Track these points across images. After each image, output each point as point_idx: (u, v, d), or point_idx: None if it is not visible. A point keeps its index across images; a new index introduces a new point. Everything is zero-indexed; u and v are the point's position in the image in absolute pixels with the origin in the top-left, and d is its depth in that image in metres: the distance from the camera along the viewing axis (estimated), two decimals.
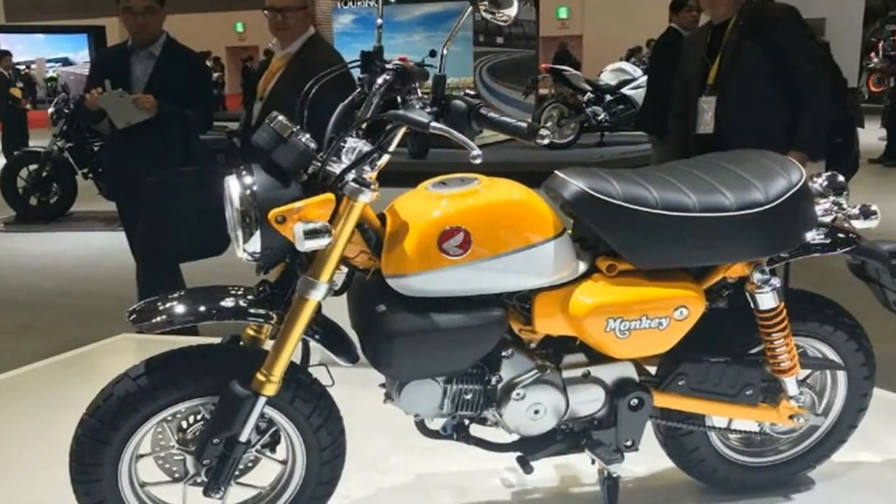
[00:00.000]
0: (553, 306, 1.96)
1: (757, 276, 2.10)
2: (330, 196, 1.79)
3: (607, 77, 11.21)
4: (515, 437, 2.13)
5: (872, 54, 17.39)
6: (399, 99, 1.89)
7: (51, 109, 8.18)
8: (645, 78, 8.44)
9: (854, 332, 2.31)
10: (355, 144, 1.81)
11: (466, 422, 2.10)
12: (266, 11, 3.40)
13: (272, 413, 1.95)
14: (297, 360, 1.98)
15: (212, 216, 2.41)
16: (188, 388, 1.88)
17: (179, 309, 1.87)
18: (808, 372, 2.34)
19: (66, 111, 7.89)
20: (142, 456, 1.96)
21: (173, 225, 3.82)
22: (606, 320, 1.95)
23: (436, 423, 2.10)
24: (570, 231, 2.00)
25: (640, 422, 2.12)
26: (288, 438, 2.01)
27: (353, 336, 1.99)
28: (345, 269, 1.95)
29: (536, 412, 2.03)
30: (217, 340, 2.08)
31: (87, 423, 1.86)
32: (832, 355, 2.32)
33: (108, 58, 4.38)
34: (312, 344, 1.99)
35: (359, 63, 1.94)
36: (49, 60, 23.07)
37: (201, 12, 21.29)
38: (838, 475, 2.50)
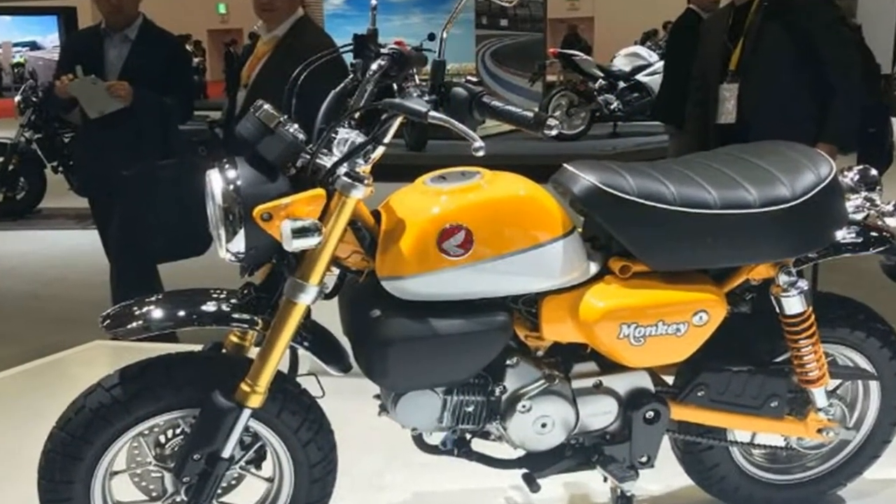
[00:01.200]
0: (562, 311, 1.96)
1: (783, 279, 2.10)
2: (320, 191, 1.79)
3: (620, 62, 11.22)
4: (521, 453, 2.13)
5: None
6: (395, 86, 1.89)
7: (17, 98, 8.18)
8: (661, 63, 8.44)
9: (888, 339, 2.31)
10: (347, 135, 1.81)
11: (468, 436, 2.10)
12: None
13: (257, 426, 1.94)
14: (285, 369, 1.98)
15: (192, 213, 2.41)
16: (166, 400, 1.88)
17: (157, 314, 1.87)
18: (837, 382, 2.34)
19: (34, 99, 7.89)
20: (116, 473, 1.96)
21: (150, 223, 3.82)
22: (619, 326, 1.95)
23: (435, 438, 2.10)
24: (580, 230, 2.00)
25: (657, 436, 2.12)
26: (274, 454, 2.01)
27: (346, 343, 1.99)
28: (336, 271, 1.95)
29: (544, 426, 2.03)
30: (198, 348, 2.07)
31: (58, 438, 1.86)
32: (864, 364, 2.32)
33: (79, 42, 4.39)
34: (301, 352, 1.98)
35: (351, 47, 1.94)
36: (16, 44, 23.07)
37: None
38: (871, 494, 2.50)
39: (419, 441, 2.11)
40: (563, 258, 1.92)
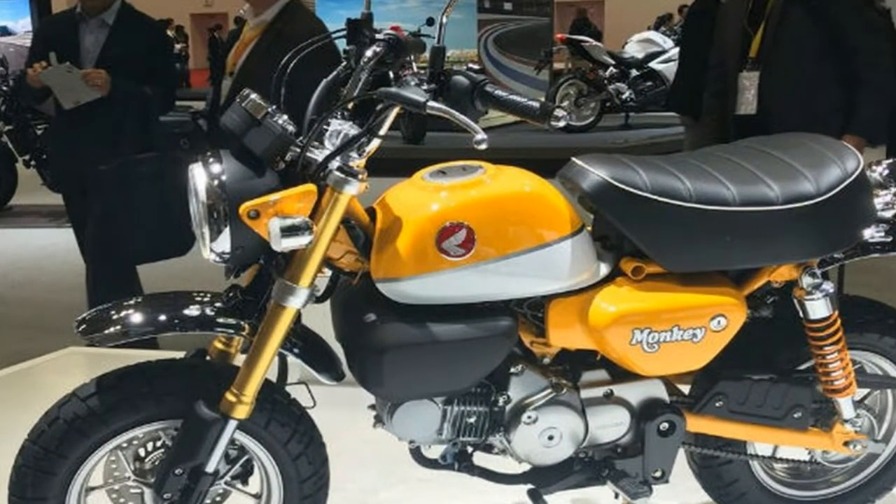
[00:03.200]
0: (570, 315, 1.96)
1: (807, 281, 2.11)
2: (311, 187, 1.79)
3: (633, 49, 11.23)
4: (526, 467, 2.13)
5: None
6: (391, 74, 1.89)
7: None
8: (676, 50, 8.45)
9: None
10: (340, 127, 1.81)
11: (469, 449, 2.10)
12: None
13: (244, 439, 1.95)
14: (273, 377, 1.98)
15: (174, 211, 2.41)
16: (146, 411, 1.88)
17: (136, 318, 1.87)
18: (865, 391, 2.35)
19: (5, 88, 7.91)
20: (93, 489, 1.96)
21: (129, 221, 3.82)
22: (632, 331, 1.95)
23: (434, 451, 2.10)
24: (589, 228, 2.01)
25: (672, 449, 2.12)
26: (262, 468, 2.01)
27: (338, 350, 1.99)
28: (328, 272, 1.95)
29: (550, 438, 2.03)
30: (180, 355, 2.08)
31: (30, 451, 1.86)
32: (894, 372, 2.32)
33: (53, 27, 4.39)
34: (291, 359, 1.99)
35: (344, 33, 1.94)
36: None
37: None
38: None
39: (417, 455, 2.11)
40: (572, 259, 1.92)
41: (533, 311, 1.99)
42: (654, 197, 1.95)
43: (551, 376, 2.03)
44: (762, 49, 3.30)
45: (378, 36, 1.89)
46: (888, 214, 2.18)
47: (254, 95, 1.80)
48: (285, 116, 1.81)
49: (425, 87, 1.80)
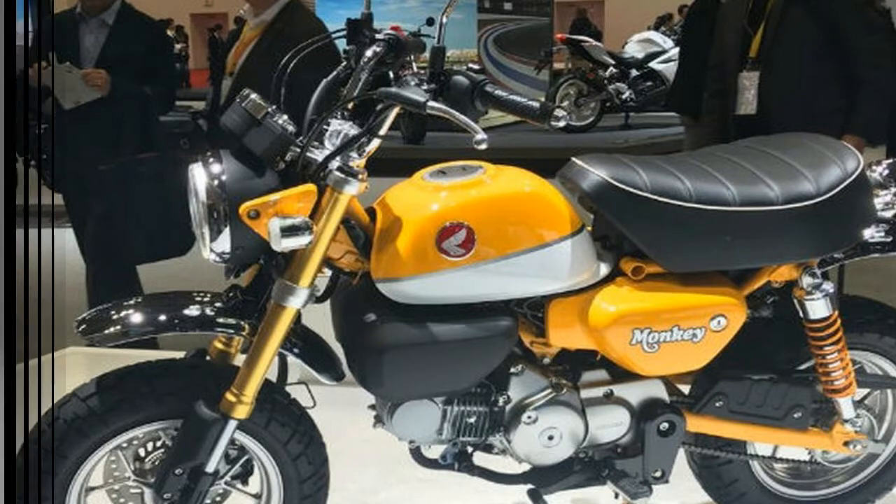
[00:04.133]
0: (570, 315, 1.96)
1: (807, 281, 2.11)
2: (311, 187, 1.79)
3: (633, 49, 11.24)
4: (526, 467, 2.13)
5: None
6: (391, 74, 1.89)
7: None
8: (677, 50, 8.45)
9: None
10: (340, 127, 1.81)
11: (469, 449, 2.10)
12: None
13: (244, 439, 1.95)
14: (273, 377, 1.98)
15: (173, 210, 2.41)
16: (146, 411, 1.88)
17: (136, 318, 1.88)
18: (865, 391, 2.35)
19: None
20: (93, 489, 1.97)
21: (129, 221, 3.82)
22: (632, 331, 1.95)
23: (434, 451, 2.10)
24: (589, 228, 2.01)
25: (671, 449, 2.12)
26: (262, 468, 2.01)
27: (338, 350, 1.99)
28: (328, 272, 1.96)
29: (550, 438, 2.03)
30: (180, 355, 2.08)
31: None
32: (894, 372, 2.32)
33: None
34: (291, 359, 1.99)
35: (344, 33, 1.94)
36: None
37: None
38: None
39: (417, 455, 2.11)
40: (572, 259, 1.92)
41: (533, 311, 1.99)
42: (654, 197, 1.95)
43: (551, 376, 2.03)
44: (762, 49, 3.30)
45: (378, 36, 1.89)
46: (888, 214, 2.18)
47: (254, 95, 1.80)
48: (285, 116, 1.81)
49: (425, 87, 1.80)
